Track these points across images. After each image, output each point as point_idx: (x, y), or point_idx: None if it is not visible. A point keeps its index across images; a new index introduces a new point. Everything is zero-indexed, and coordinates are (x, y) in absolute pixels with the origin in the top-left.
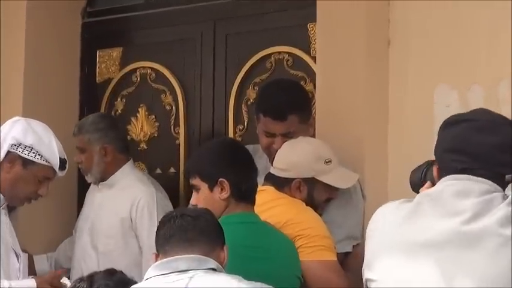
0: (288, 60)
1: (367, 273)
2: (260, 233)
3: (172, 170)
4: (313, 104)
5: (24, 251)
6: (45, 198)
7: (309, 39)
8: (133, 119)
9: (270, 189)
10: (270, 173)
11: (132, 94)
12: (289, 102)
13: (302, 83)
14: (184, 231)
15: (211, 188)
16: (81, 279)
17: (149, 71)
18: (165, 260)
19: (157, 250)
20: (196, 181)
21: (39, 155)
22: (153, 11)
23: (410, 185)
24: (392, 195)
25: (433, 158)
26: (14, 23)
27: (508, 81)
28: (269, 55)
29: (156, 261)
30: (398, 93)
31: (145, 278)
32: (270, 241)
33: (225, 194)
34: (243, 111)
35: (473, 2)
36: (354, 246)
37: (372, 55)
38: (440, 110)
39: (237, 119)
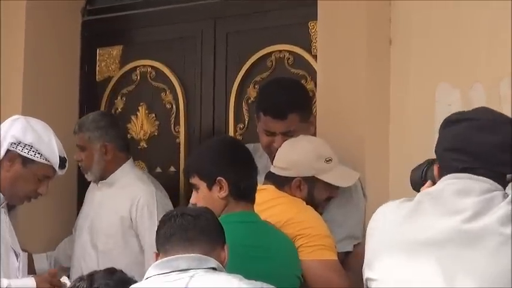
0: (289, 58)
1: (367, 273)
2: (260, 232)
3: (172, 168)
4: (314, 102)
5: (23, 250)
6: (45, 196)
7: (309, 37)
8: (133, 118)
9: (271, 188)
10: (270, 172)
11: (132, 92)
12: (290, 101)
13: (303, 81)
14: (184, 230)
15: (209, 187)
16: (81, 278)
17: (149, 69)
18: (165, 259)
19: (157, 249)
20: (195, 180)
21: (38, 153)
22: (153, 9)
23: (411, 183)
24: (394, 194)
25: (434, 156)
26: (13, 21)
27: (510, 79)
28: (270, 53)
29: (156, 260)
30: (400, 92)
31: (145, 277)
32: (270, 240)
33: (224, 193)
34: (244, 109)
35: (474, 1)
36: (354, 245)
37: (373, 54)
38: (442, 109)
39: (238, 118)
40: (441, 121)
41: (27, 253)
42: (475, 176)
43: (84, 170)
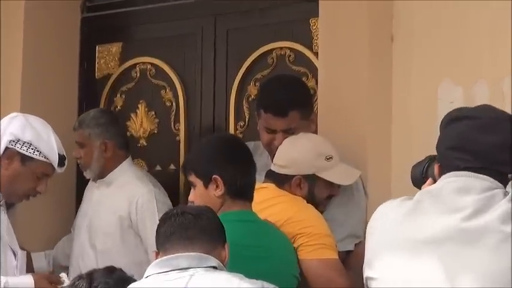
0: (290, 55)
1: (367, 272)
2: (258, 231)
3: (172, 166)
4: (315, 100)
5: (22, 248)
6: (44, 195)
7: (311, 34)
8: (132, 115)
9: (271, 186)
10: (270, 170)
11: (132, 90)
12: (290, 98)
13: (304, 78)
14: (184, 229)
15: (206, 185)
16: (80, 277)
17: (149, 66)
18: (165, 257)
19: (157, 248)
20: (192, 178)
21: (37, 151)
22: (153, 6)
23: (412, 180)
24: (396, 193)
25: (435, 153)
26: (12, 18)
27: None
28: (270, 51)
29: (156, 259)
30: (402, 89)
31: (145, 275)
32: (268, 240)
33: (219, 191)
34: (244, 107)
35: None
36: (356, 244)
37: (375, 51)
38: (445, 106)
39: (238, 116)
40: None
41: (25, 252)
42: (475, 174)
43: (83, 167)
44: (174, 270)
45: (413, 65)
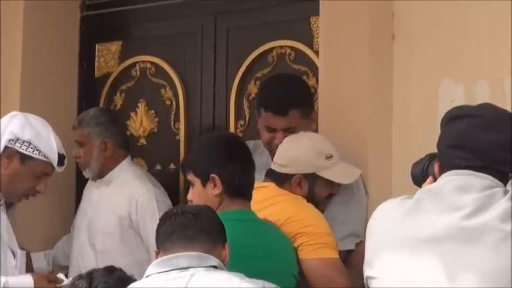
0: (290, 54)
1: (367, 271)
2: (256, 230)
3: (172, 166)
4: (316, 99)
5: (21, 248)
6: (43, 194)
7: (311, 33)
8: (132, 114)
9: (271, 185)
10: (270, 169)
11: (132, 89)
12: (291, 97)
13: (304, 77)
14: (185, 228)
15: (204, 184)
16: (80, 277)
17: (149, 65)
18: (165, 257)
19: (157, 247)
20: (190, 176)
21: (37, 150)
22: (153, 4)
23: (412, 178)
24: (397, 191)
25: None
26: (11, 17)
27: None
28: (271, 49)
29: (156, 258)
30: (403, 88)
31: (145, 275)
32: (267, 239)
33: (217, 190)
34: (245, 106)
35: None
36: (356, 243)
37: (376, 49)
38: (446, 105)
39: (238, 115)
40: None
41: (25, 251)
42: (475, 172)
43: (82, 166)
44: (174, 269)
45: (414, 63)
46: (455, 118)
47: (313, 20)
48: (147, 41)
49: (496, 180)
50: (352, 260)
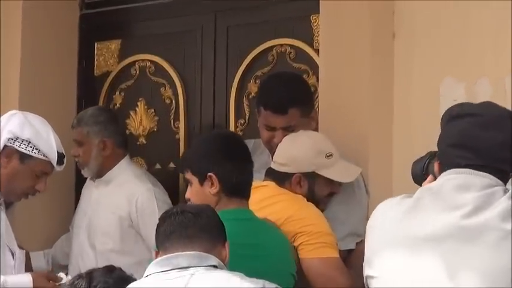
0: (291, 52)
1: (367, 270)
2: (254, 230)
3: (172, 165)
4: (316, 97)
5: (20, 247)
6: (42, 193)
7: (312, 31)
8: (132, 113)
9: (271, 184)
10: (270, 168)
11: (131, 87)
12: (290, 96)
13: (305, 76)
14: (184, 227)
15: (201, 183)
16: (79, 276)
17: (148, 63)
18: (165, 256)
19: (157, 247)
20: (188, 175)
21: (36, 149)
22: (153, 3)
23: (412, 176)
24: (397, 191)
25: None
26: (10, 14)
27: None
28: (271, 48)
29: (156, 258)
30: (404, 86)
31: (145, 274)
32: (265, 238)
33: (215, 189)
34: (245, 105)
35: None
36: (357, 243)
37: (377, 48)
38: (447, 104)
39: (238, 113)
40: None
41: (24, 251)
42: (475, 171)
43: (81, 165)
44: (174, 269)
45: (415, 62)
46: (456, 117)
47: (314, 18)
48: (147, 40)
49: (496, 179)
50: (352, 259)
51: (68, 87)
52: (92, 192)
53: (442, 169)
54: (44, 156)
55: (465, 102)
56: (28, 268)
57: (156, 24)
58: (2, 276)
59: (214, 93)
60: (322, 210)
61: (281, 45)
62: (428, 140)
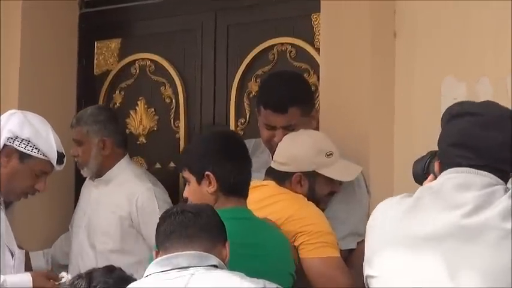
0: (291, 51)
1: (367, 270)
2: (253, 229)
3: (172, 164)
4: (317, 96)
5: (20, 247)
6: (42, 193)
7: (312, 30)
8: (132, 112)
9: (271, 184)
10: (270, 167)
11: (131, 86)
12: (290, 95)
13: (305, 75)
14: (184, 227)
15: (199, 182)
16: (79, 276)
17: (148, 62)
18: (165, 256)
19: (157, 247)
20: (186, 174)
21: (36, 148)
22: (153, 1)
23: (413, 176)
24: (398, 190)
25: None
26: (9, 13)
27: None
28: (272, 46)
29: (156, 258)
30: (405, 85)
31: (145, 274)
32: (264, 237)
33: (212, 188)
34: (245, 104)
35: None
36: (358, 242)
37: (378, 47)
38: (448, 103)
39: (239, 112)
40: None
41: (23, 251)
42: (476, 170)
43: (81, 165)
44: (174, 269)
45: (416, 61)
46: (456, 116)
47: (314, 17)
48: (147, 39)
49: (497, 178)
50: (353, 259)
51: (67, 86)
52: (91, 191)
53: (443, 168)
54: (43, 155)
55: (465, 101)
56: (28, 268)
57: (156, 23)
58: (1, 276)
59: (214, 92)
60: (323, 210)
61: (282, 44)
62: (430, 139)
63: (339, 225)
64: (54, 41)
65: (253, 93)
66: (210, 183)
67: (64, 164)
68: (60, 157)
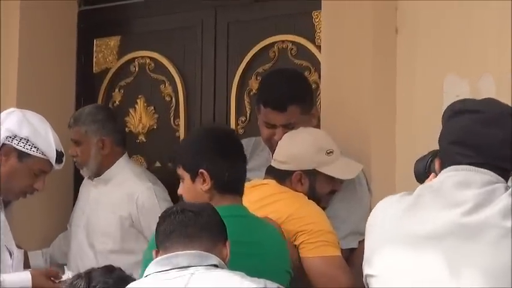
0: (292, 49)
1: (366, 269)
2: (250, 227)
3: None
4: (318, 94)
5: (18, 246)
6: (41, 192)
7: (313, 27)
8: (131, 111)
9: (272, 182)
10: (270, 166)
11: (131, 85)
12: (290, 93)
13: (306, 72)
14: (184, 226)
15: (193, 179)
16: (78, 276)
17: (148, 60)
18: (164, 256)
19: (157, 246)
20: (180, 171)
21: (35, 147)
22: None
23: (415, 175)
24: (400, 189)
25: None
26: (7, 11)
27: None
28: (272, 44)
29: (156, 257)
30: (407, 83)
31: (144, 274)
32: (260, 235)
33: (206, 186)
34: (246, 102)
35: None
36: (359, 241)
37: (379, 44)
38: (450, 100)
39: (239, 111)
40: None
41: (22, 250)
42: (476, 168)
43: (80, 165)
44: (174, 268)
45: (418, 57)
46: (458, 113)
47: (315, 14)
48: (146, 36)
49: (497, 176)
50: (354, 258)
51: (66, 84)
52: (90, 191)
53: (443, 166)
54: (42, 154)
55: (467, 98)
56: (26, 267)
57: (156, 21)
58: (1, 275)
59: (214, 90)
60: (324, 208)
61: (282, 41)
62: (432, 137)
63: (340, 224)
64: (53, 39)
65: (254, 91)
66: (204, 180)
67: (63, 163)
68: (59, 156)
